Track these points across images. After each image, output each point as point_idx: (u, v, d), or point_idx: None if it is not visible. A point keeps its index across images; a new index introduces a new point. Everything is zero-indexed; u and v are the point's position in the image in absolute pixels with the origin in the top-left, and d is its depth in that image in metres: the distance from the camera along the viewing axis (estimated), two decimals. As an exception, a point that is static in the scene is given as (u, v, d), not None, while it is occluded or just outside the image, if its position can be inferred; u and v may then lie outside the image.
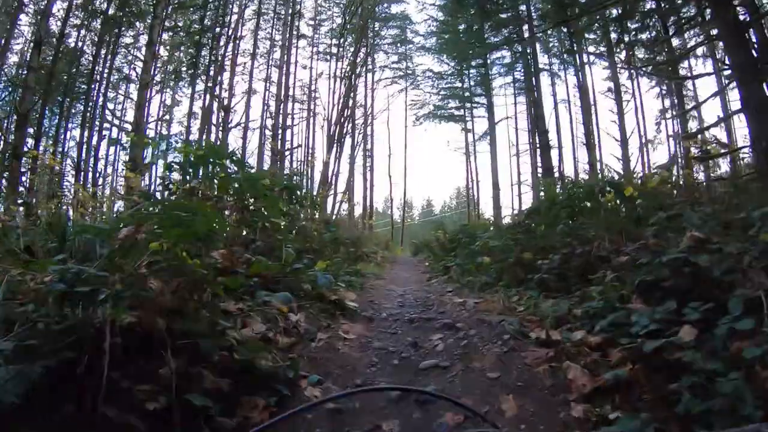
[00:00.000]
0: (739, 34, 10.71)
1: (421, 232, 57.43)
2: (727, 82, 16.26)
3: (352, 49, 30.32)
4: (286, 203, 8.20)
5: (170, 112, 31.81)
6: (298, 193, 9.25)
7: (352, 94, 29.71)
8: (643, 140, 28.14)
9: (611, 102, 30.39)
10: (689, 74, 25.06)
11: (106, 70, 28.58)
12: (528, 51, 27.75)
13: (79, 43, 28.11)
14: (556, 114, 31.13)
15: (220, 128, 25.29)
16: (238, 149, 28.25)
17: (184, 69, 30.51)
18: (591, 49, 29.93)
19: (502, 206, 33.35)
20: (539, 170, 30.64)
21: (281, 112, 26.53)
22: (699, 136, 15.92)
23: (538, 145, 27.18)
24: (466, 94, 36.42)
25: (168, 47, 30.78)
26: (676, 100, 28.53)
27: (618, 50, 27.71)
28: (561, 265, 5.93)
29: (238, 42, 30.43)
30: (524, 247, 6.95)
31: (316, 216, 12.18)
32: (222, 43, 28.91)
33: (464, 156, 37.19)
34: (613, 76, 28.68)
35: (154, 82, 29.93)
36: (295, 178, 22.58)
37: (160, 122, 30.78)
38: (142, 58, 24.11)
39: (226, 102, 25.91)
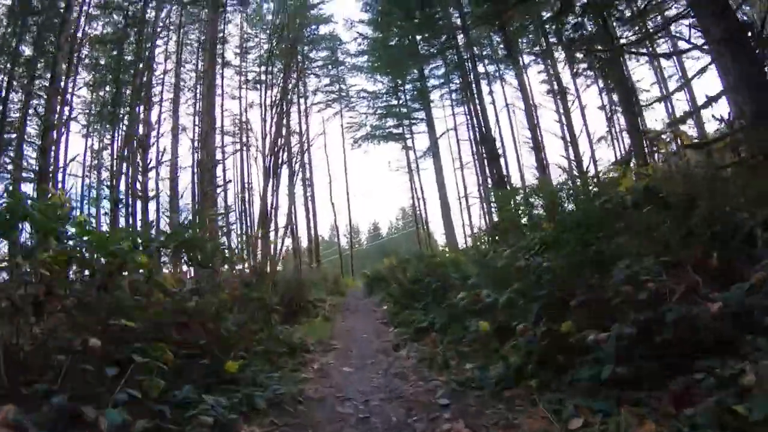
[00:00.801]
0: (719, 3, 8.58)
1: (370, 258, 54.61)
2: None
3: (281, 75, 27.41)
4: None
5: (99, 156, 27.94)
6: (203, 250, 6.32)
7: (285, 121, 26.81)
8: (593, 138, 26.08)
9: (552, 104, 28.54)
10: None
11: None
12: (466, 57, 25.54)
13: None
14: (497, 122, 28.86)
15: (140, 169, 21.86)
16: (165, 191, 24.80)
17: (107, 109, 26.73)
18: (526, 52, 28.20)
19: (454, 225, 30.90)
20: (488, 181, 28.47)
21: (206, 145, 23.41)
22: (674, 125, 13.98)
23: (485, 155, 24.74)
24: (404, 110, 33.96)
25: (91, 86, 27.12)
26: (615, 97, 26.64)
27: (557, 49, 25.94)
28: (637, 343, 3.25)
29: (161, 76, 27.10)
30: (549, 305, 4.21)
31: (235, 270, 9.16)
32: (144, 80, 25.47)
33: (407, 175, 34.58)
34: (555, 76, 26.72)
35: (80, 124, 26.18)
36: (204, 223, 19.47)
37: (88, 168, 26.84)
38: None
39: (145, 139, 22.47)
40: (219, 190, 24.63)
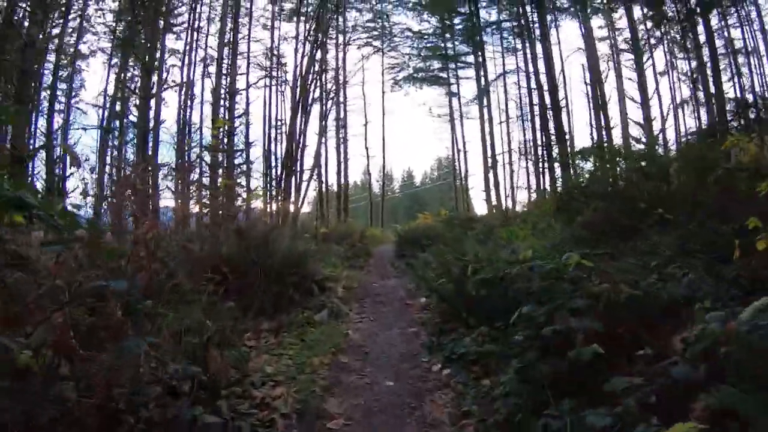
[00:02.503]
0: None
1: (403, 208, 50.64)
2: None
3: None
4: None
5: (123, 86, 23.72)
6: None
7: (319, 54, 22.28)
8: (674, 102, 21.11)
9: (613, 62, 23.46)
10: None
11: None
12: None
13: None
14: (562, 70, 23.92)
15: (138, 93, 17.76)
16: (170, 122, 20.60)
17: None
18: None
19: (499, 188, 26.37)
20: (536, 137, 23.92)
21: (224, 71, 19.31)
22: None
23: (547, 107, 20.07)
24: (450, 52, 29.16)
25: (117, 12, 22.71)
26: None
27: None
28: None
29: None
30: None
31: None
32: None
33: (449, 123, 29.93)
34: (630, 26, 21.60)
35: (105, 53, 21.75)
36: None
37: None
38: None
39: (151, 61, 18.26)
40: (238, 122, 20.68)
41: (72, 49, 19.19)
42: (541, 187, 22.68)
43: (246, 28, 23.38)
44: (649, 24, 21.84)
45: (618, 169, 10.00)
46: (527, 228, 9.37)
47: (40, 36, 15.99)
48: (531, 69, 22.66)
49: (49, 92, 19.11)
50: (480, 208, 28.01)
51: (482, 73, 26.92)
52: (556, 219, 9.73)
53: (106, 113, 20.23)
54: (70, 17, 19.27)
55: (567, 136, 20.45)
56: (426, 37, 29.75)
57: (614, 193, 8.80)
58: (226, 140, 17.62)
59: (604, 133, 21.21)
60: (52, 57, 19.74)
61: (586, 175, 11.14)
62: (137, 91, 17.77)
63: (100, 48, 20.82)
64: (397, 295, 8.03)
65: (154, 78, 17.67)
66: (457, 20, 28.67)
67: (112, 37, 21.70)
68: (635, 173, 9.46)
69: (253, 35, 24.20)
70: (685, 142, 15.13)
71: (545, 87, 19.86)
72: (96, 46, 20.44)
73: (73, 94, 20.33)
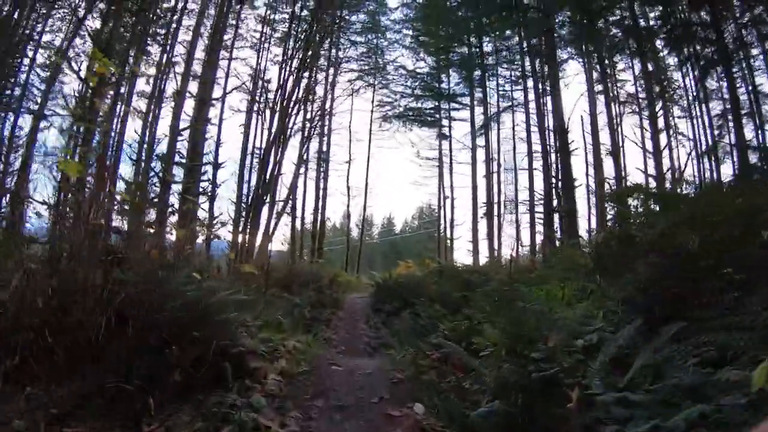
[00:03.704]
0: None
1: (380, 252, 47.15)
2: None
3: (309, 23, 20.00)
4: None
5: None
6: None
7: (306, 76, 19.26)
8: (693, 151, 18.21)
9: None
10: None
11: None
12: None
13: None
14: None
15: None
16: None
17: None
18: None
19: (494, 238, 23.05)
20: (536, 185, 21.01)
21: (190, 72, 16.32)
22: None
23: (555, 150, 17.18)
24: (445, 92, 26.50)
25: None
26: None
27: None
28: None
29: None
30: None
31: None
32: None
33: (437, 168, 26.70)
34: (644, 69, 19.01)
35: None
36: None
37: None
38: None
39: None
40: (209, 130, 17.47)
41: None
42: (537, 240, 19.72)
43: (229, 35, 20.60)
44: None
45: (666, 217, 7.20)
46: (567, 288, 6.21)
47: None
48: (533, 108, 19.96)
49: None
50: (464, 259, 24.64)
51: (482, 110, 24.12)
52: (602, 276, 6.68)
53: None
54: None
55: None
56: (419, 76, 27.18)
57: (666, 245, 5.92)
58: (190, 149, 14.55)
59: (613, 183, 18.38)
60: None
61: (631, 221, 8.34)
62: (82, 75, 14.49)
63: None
64: (374, 392, 4.37)
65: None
66: (455, 58, 26.31)
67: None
68: (682, 223, 6.59)
69: (237, 48, 21.46)
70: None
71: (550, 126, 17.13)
72: (82, 48, 17.48)
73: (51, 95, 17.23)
